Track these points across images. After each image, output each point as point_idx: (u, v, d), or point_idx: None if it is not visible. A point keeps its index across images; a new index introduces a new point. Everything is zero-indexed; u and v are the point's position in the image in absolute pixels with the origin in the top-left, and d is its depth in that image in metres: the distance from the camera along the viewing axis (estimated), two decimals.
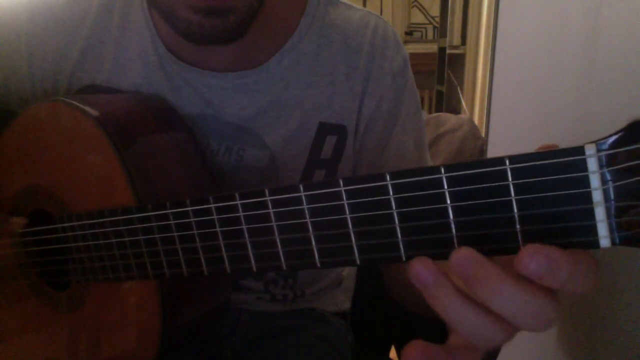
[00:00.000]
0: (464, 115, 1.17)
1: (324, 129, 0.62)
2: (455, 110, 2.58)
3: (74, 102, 0.51)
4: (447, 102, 2.76)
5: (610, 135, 0.25)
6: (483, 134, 1.12)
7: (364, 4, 3.31)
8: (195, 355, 0.67)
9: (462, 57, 2.59)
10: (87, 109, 0.50)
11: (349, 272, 0.83)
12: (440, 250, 0.30)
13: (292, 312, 0.73)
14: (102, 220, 0.47)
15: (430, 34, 3.52)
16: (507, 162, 0.27)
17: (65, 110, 0.52)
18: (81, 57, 0.60)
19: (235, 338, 0.71)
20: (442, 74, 2.81)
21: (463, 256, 0.27)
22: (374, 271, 0.83)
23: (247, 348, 0.71)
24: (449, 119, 1.07)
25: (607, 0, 0.68)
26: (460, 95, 2.52)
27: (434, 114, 1.11)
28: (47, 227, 0.53)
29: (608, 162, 0.25)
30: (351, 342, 0.77)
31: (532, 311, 0.26)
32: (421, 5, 3.50)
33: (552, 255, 0.25)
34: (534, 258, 0.25)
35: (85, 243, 0.49)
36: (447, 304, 0.28)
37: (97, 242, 0.48)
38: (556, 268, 0.25)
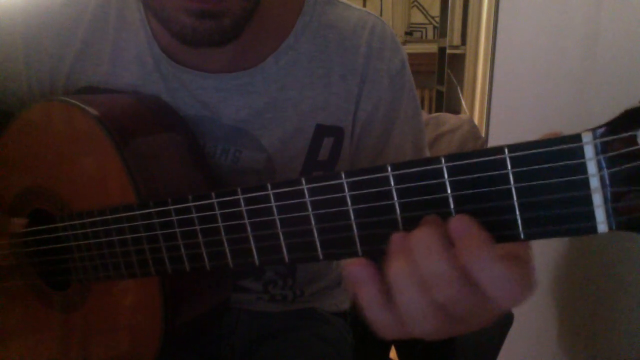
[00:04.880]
0: (464, 115, 1.17)
1: (321, 131, 0.62)
2: (455, 110, 2.59)
3: (74, 101, 0.51)
4: (447, 102, 2.76)
5: (606, 123, 0.26)
6: (483, 134, 1.12)
7: (364, 4, 3.32)
8: (195, 355, 0.67)
9: (462, 57, 2.58)
10: (88, 108, 0.50)
11: None
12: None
13: (291, 312, 0.73)
14: (103, 217, 0.47)
15: (430, 34, 3.53)
16: (506, 150, 0.28)
17: (66, 109, 0.52)
18: (78, 58, 0.60)
19: (234, 338, 0.71)
20: (442, 74, 2.82)
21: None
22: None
23: (246, 348, 0.71)
24: (449, 119, 1.07)
25: (607, 0, 0.68)
26: (460, 95, 2.52)
27: (434, 114, 1.11)
28: (48, 226, 0.53)
29: (604, 149, 0.26)
30: (351, 342, 0.77)
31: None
32: (421, 5, 3.50)
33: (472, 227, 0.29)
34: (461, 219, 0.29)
35: (87, 241, 0.49)
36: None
37: (99, 240, 0.48)
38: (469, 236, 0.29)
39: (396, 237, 0.31)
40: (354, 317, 0.81)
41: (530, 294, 0.28)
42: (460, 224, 0.29)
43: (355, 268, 0.32)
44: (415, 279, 0.30)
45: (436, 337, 0.31)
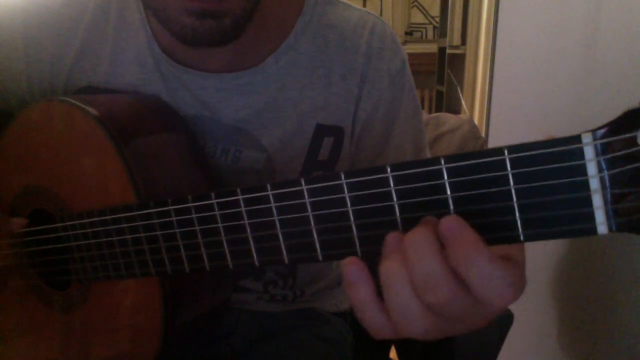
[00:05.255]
0: (464, 115, 1.17)
1: (321, 131, 0.62)
2: (455, 110, 2.58)
3: (74, 101, 0.51)
4: (447, 102, 2.76)
5: (606, 124, 0.26)
6: (483, 134, 1.12)
7: (364, 4, 3.32)
8: (195, 356, 0.67)
9: (462, 57, 2.58)
10: (88, 108, 0.50)
11: None
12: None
13: (292, 312, 0.73)
14: (103, 218, 0.47)
15: (430, 34, 3.52)
16: (506, 152, 0.28)
17: (66, 109, 0.52)
18: (78, 58, 0.60)
19: (235, 338, 0.71)
20: (442, 74, 2.81)
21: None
22: (373, 271, 0.83)
23: (247, 348, 0.71)
24: (449, 119, 1.07)
25: (607, 0, 0.68)
26: (460, 95, 2.52)
27: (434, 114, 1.11)
28: (48, 226, 0.53)
29: (604, 150, 0.26)
30: (351, 342, 0.77)
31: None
32: (421, 5, 3.50)
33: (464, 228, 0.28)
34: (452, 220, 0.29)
35: (87, 242, 0.49)
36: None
37: (99, 240, 0.48)
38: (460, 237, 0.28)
39: (391, 238, 0.31)
40: (354, 317, 0.81)
41: (519, 295, 0.28)
42: (451, 225, 0.29)
43: (349, 268, 0.32)
44: (408, 280, 0.30)
45: (429, 337, 0.31)
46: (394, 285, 0.30)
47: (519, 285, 0.28)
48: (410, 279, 0.30)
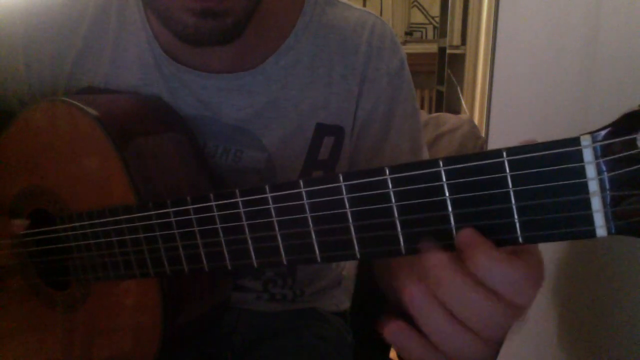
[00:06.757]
0: (464, 115, 1.17)
1: (322, 130, 0.62)
2: (455, 110, 2.58)
3: (74, 102, 0.51)
4: (447, 102, 2.76)
5: (605, 127, 0.26)
6: (483, 134, 1.12)
7: (364, 4, 3.32)
8: (195, 355, 0.67)
9: (462, 57, 2.58)
10: (88, 108, 0.50)
11: (348, 272, 0.83)
12: (439, 242, 0.31)
13: (292, 312, 0.73)
14: (103, 219, 0.47)
15: (430, 34, 3.53)
16: (505, 154, 0.28)
17: (66, 110, 0.52)
18: (78, 59, 0.60)
19: (234, 338, 0.71)
20: (442, 74, 2.81)
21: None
22: (371, 282, 0.83)
23: (247, 348, 0.71)
24: (449, 119, 1.07)
25: (607, 0, 0.68)
26: (460, 95, 2.52)
27: (434, 114, 1.11)
28: (48, 228, 0.53)
29: (603, 152, 0.26)
30: (351, 342, 0.77)
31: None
32: (421, 5, 3.50)
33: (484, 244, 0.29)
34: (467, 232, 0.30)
35: (86, 242, 0.49)
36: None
37: (98, 240, 0.48)
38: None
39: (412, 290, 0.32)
40: (354, 317, 0.81)
41: (539, 285, 0.29)
42: (465, 238, 0.30)
43: (392, 334, 0.32)
44: (437, 302, 0.30)
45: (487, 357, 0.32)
46: (424, 311, 0.31)
47: (535, 276, 0.29)
48: (439, 301, 0.30)
